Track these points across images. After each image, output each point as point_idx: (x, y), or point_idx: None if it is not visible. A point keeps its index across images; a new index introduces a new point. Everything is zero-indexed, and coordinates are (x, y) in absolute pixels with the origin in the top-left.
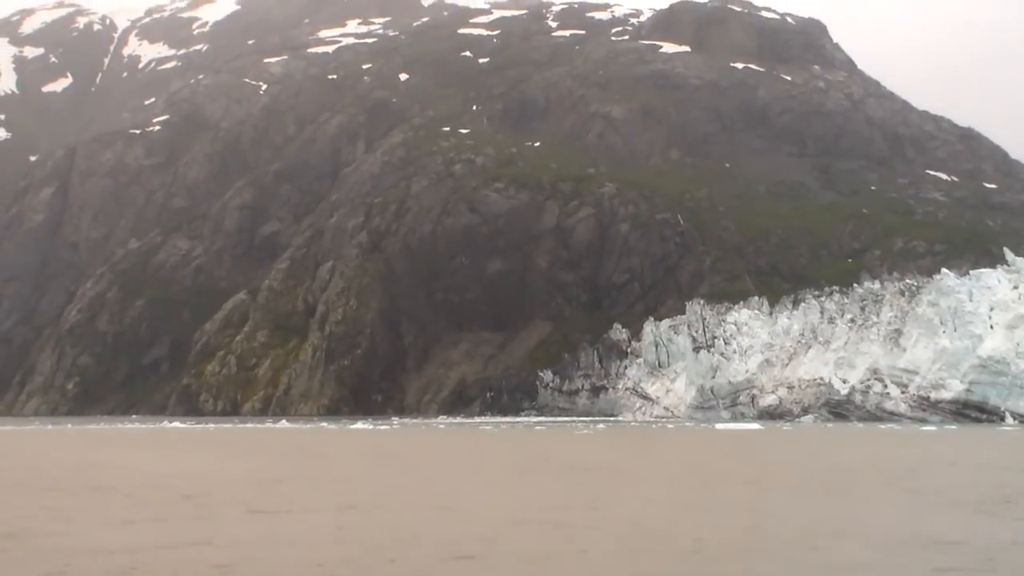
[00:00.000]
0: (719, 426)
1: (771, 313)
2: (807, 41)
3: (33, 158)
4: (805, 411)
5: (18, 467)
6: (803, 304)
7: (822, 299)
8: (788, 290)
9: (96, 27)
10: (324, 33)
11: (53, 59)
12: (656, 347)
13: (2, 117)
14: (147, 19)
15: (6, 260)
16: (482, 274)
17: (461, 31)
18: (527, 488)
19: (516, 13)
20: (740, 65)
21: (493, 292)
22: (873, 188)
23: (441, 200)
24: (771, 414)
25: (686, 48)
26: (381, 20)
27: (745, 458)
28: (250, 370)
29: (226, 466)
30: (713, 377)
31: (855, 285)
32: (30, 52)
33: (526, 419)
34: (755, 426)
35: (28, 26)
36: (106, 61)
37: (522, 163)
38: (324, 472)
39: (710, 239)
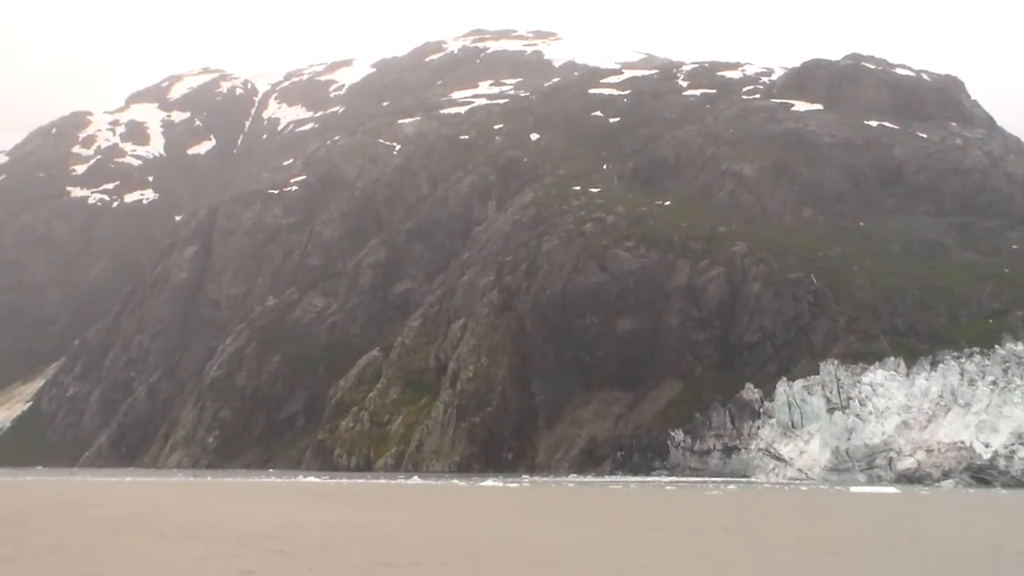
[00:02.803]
0: (854, 489)
1: (908, 374)
2: (944, 98)
3: (178, 218)
4: (945, 475)
5: (157, 516)
6: (942, 365)
7: (962, 360)
8: (925, 351)
9: (238, 91)
10: (456, 94)
11: (198, 122)
12: (789, 408)
13: (151, 179)
14: (286, 83)
15: (152, 316)
16: (612, 332)
17: (592, 91)
18: (644, 548)
19: (647, 73)
20: (874, 123)
21: (623, 351)
22: (1015, 247)
23: (571, 258)
24: (909, 478)
25: (819, 106)
26: (512, 81)
27: (881, 525)
28: (383, 426)
29: (359, 518)
30: (848, 439)
31: (996, 346)
32: (177, 116)
33: (657, 479)
34: (892, 490)
35: (176, 92)
36: (247, 124)
37: (653, 222)
38: (450, 527)
39: (844, 298)
